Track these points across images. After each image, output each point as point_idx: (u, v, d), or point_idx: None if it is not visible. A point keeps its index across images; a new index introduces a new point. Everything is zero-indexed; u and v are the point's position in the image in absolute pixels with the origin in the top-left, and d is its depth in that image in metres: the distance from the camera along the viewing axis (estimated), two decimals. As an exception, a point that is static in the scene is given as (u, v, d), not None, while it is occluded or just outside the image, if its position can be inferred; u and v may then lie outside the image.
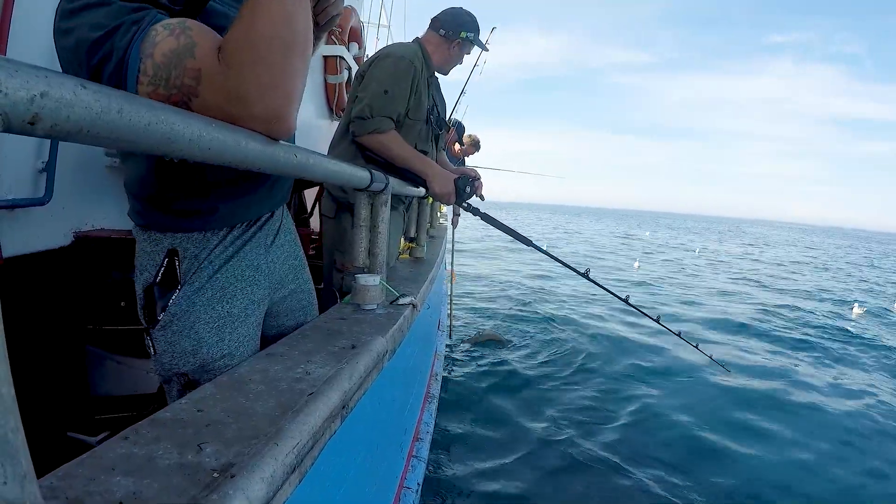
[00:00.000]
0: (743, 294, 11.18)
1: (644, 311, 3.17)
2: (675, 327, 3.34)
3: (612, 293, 3.01)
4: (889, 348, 7.06)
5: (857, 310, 10.10)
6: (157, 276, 1.09)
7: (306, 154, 0.95)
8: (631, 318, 7.15)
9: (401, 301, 1.64)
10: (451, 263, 7.21)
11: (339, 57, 4.45)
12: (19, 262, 1.82)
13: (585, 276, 2.82)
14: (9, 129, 0.39)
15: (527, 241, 2.72)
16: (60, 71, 0.77)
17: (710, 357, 3.57)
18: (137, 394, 2.05)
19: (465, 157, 7.17)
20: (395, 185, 1.99)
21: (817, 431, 4.20)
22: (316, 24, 1.14)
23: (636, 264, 16.00)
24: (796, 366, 5.88)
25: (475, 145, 7.15)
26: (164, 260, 1.09)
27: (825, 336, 7.52)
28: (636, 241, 28.38)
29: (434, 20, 2.51)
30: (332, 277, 2.33)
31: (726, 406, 4.51)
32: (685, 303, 9.63)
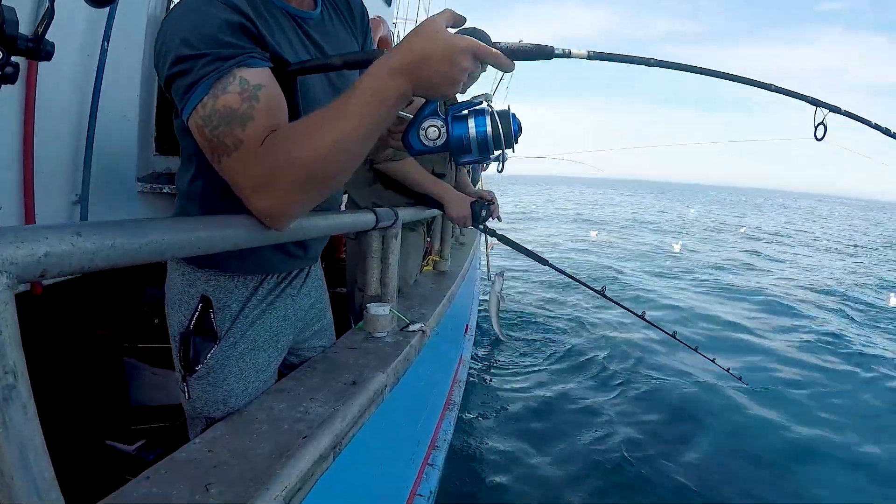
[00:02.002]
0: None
1: (661, 326, 3.23)
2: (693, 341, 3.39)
3: (628, 310, 3.08)
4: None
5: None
6: (190, 321, 1.19)
7: (299, 219, 1.05)
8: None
9: (411, 328, 1.76)
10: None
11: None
12: (58, 287, 2.00)
13: (601, 293, 2.89)
14: (21, 282, 0.52)
15: (543, 261, 2.81)
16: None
17: (728, 370, 3.60)
18: (172, 404, 2.23)
19: None
20: (409, 214, 2.11)
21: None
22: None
23: (677, 246, 15.59)
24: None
25: None
26: (197, 305, 1.19)
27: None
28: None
29: None
30: (354, 294, 2.46)
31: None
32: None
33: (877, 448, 4.03)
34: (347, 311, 2.52)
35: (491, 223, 2.73)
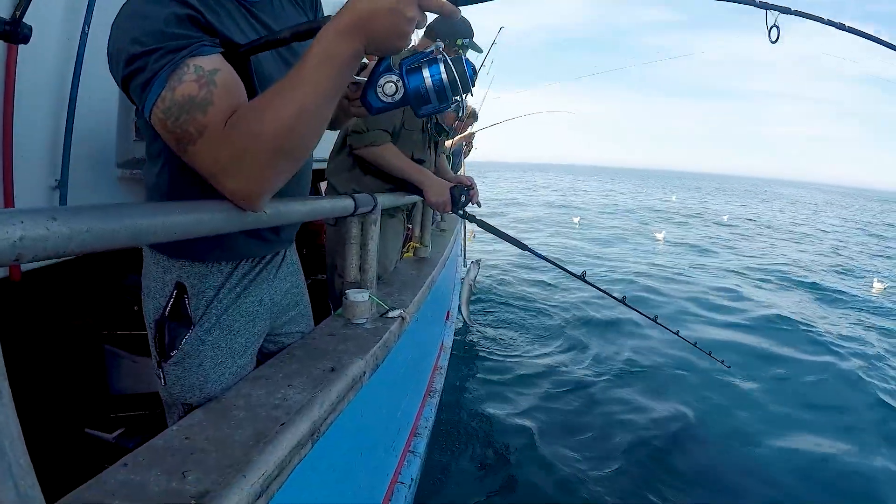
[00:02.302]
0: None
1: (642, 311, 3.26)
2: (674, 325, 3.43)
3: (609, 294, 3.11)
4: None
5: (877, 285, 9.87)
6: (165, 308, 1.19)
7: (276, 205, 1.05)
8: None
9: (390, 314, 1.76)
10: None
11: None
12: (37, 273, 1.97)
13: (582, 278, 2.91)
14: (-1, 267, 0.52)
15: (524, 246, 2.83)
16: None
17: (709, 354, 3.65)
18: (152, 392, 2.21)
19: (468, 128, 7.29)
20: (389, 200, 2.11)
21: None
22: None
23: (660, 235, 15.58)
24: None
25: (473, 115, 7.29)
26: (172, 292, 1.19)
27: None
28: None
29: (429, 29, 2.57)
30: (333, 279, 2.46)
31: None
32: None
33: (845, 437, 4.15)
34: (327, 297, 2.52)
35: (471, 208, 2.74)
